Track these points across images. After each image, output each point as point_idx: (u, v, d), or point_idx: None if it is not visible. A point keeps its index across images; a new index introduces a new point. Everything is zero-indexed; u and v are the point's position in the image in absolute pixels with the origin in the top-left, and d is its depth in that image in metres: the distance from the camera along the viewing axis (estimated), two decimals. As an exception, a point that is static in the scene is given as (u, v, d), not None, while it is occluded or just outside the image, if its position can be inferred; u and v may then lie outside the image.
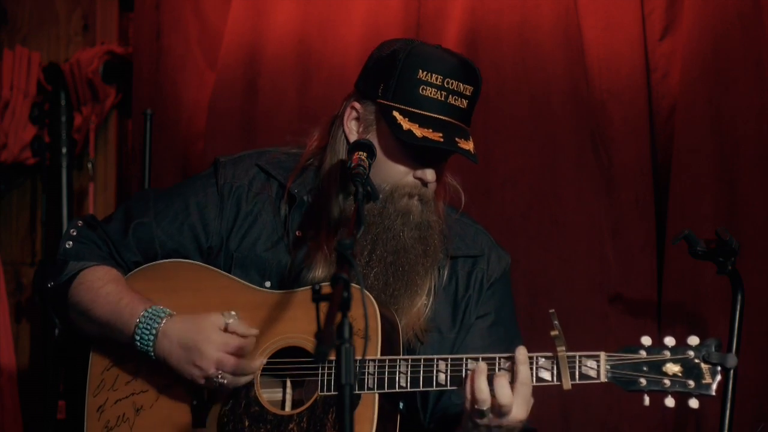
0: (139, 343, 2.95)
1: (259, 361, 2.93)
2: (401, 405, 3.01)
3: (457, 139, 2.95)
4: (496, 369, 2.78)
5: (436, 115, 2.96)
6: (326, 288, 2.33)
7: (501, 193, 4.42)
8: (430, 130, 2.94)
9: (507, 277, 3.21)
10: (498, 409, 2.73)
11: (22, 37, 5.26)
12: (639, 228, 4.32)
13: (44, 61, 5.20)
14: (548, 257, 4.37)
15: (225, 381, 2.89)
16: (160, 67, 4.87)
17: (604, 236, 4.33)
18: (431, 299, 3.06)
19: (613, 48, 4.36)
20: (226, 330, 2.93)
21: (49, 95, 5.19)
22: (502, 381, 2.74)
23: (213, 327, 2.92)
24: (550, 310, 2.76)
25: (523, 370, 2.75)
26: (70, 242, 3.11)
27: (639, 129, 4.34)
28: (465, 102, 3.00)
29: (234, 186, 3.14)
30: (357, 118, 3.07)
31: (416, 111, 2.96)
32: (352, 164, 2.86)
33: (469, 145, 2.98)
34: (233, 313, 2.94)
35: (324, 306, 2.30)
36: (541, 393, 4.22)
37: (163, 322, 2.94)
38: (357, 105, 3.07)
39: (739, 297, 3.69)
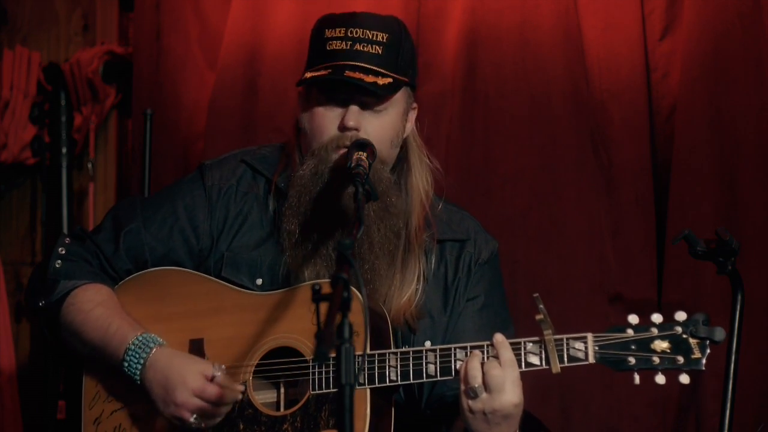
0: (126, 370, 2.95)
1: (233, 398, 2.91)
2: (401, 393, 3.02)
3: (348, 73, 2.96)
4: (485, 357, 2.79)
5: (341, 63, 2.99)
6: (326, 287, 2.32)
7: (501, 193, 4.42)
8: (322, 71, 2.98)
9: (496, 262, 3.20)
10: (490, 385, 2.73)
11: (22, 37, 5.25)
12: (639, 228, 4.32)
13: (44, 61, 5.20)
14: (548, 257, 4.37)
15: (202, 425, 2.88)
16: (160, 67, 4.87)
17: (604, 236, 4.33)
18: (422, 285, 3.06)
19: (613, 48, 4.37)
20: (212, 381, 2.90)
21: (49, 95, 5.18)
22: (492, 362, 2.76)
23: (196, 373, 2.89)
24: (534, 294, 2.76)
25: (504, 352, 2.76)
26: (60, 261, 3.09)
27: (639, 129, 4.34)
28: (379, 48, 3.01)
29: (222, 188, 3.14)
30: (301, 104, 3.12)
31: (323, 65, 3.00)
32: (352, 164, 2.86)
33: (373, 79, 2.97)
34: (223, 366, 2.91)
35: (323, 306, 2.29)
36: (541, 393, 4.23)
37: (153, 351, 2.93)
38: (299, 93, 3.14)
39: (739, 297, 3.68)
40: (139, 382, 2.94)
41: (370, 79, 2.96)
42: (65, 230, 5.07)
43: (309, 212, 3.01)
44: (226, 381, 2.90)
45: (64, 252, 3.11)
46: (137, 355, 2.93)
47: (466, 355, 2.81)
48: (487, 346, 2.80)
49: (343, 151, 2.99)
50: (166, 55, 4.86)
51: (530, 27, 4.42)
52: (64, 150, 5.15)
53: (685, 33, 4.26)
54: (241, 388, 2.92)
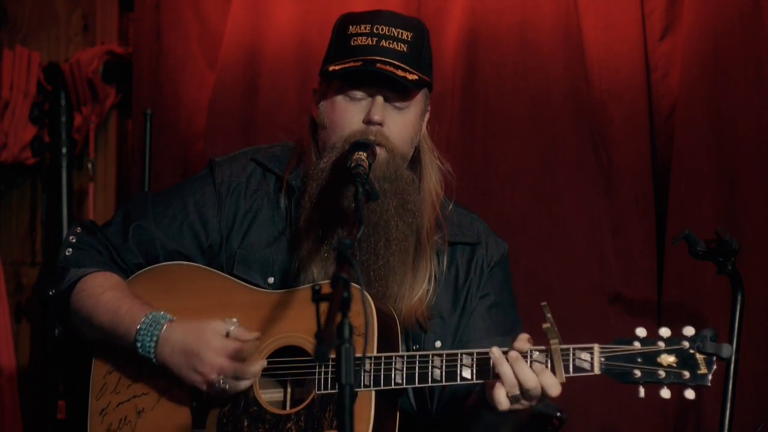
0: (140, 350, 2.96)
1: (260, 364, 2.91)
2: (412, 400, 3.03)
3: (380, 66, 2.97)
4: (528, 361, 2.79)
5: (367, 57, 2.99)
6: (326, 287, 2.33)
7: (501, 193, 4.42)
8: (351, 63, 2.99)
9: (506, 263, 3.22)
10: (527, 393, 2.74)
11: (22, 37, 5.26)
12: (639, 228, 4.32)
13: (44, 61, 5.20)
14: (548, 257, 4.37)
15: (227, 386, 2.89)
16: (160, 67, 4.87)
17: (604, 236, 4.33)
18: (432, 286, 3.07)
19: (613, 48, 4.37)
20: (227, 336, 2.92)
21: (49, 95, 5.19)
22: (542, 369, 2.77)
23: (213, 333, 2.92)
24: (542, 303, 2.75)
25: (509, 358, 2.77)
26: (70, 249, 3.11)
27: (639, 129, 4.34)
28: (404, 46, 3.02)
29: (232, 185, 3.15)
30: (318, 99, 3.12)
31: (348, 60, 3.00)
32: (352, 164, 2.86)
33: (403, 74, 2.98)
34: (234, 319, 2.93)
35: (324, 306, 2.30)
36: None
37: (164, 328, 2.94)
38: (315, 86, 3.14)
39: (739, 297, 3.69)
40: (154, 361, 2.95)
41: (400, 73, 2.97)
42: (65, 230, 5.07)
43: (326, 207, 3.01)
44: (240, 332, 2.91)
45: (74, 241, 3.13)
46: (149, 334, 2.94)
47: (473, 360, 2.80)
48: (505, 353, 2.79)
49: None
50: (166, 55, 4.86)
51: (530, 27, 4.42)
52: (64, 150, 5.15)
53: (685, 33, 4.26)
54: (256, 334, 2.91)
